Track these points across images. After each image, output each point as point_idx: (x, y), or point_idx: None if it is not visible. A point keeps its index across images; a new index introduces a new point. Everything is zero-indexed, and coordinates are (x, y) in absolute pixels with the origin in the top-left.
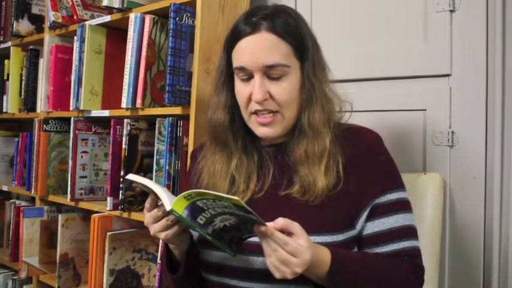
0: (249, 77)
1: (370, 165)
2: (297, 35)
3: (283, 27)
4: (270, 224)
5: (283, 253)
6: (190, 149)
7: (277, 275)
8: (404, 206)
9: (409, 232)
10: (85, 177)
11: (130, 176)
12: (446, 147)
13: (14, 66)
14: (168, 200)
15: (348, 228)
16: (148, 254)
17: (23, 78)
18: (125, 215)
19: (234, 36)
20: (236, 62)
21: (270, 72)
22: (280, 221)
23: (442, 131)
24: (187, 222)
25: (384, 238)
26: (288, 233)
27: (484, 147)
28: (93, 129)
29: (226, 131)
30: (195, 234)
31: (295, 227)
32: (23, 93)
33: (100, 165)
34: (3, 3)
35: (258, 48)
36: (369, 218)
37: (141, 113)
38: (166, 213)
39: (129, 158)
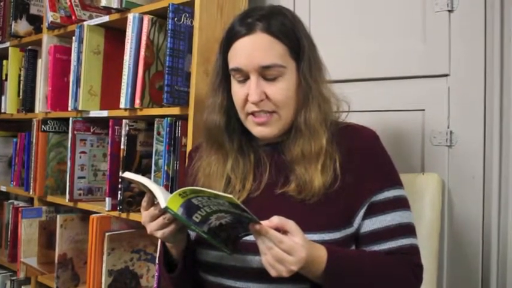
0: (245, 78)
1: (367, 163)
2: (292, 35)
3: (279, 27)
4: (265, 223)
5: (278, 251)
6: (189, 149)
7: (272, 273)
8: (402, 204)
9: (407, 230)
10: (83, 177)
11: (127, 174)
12: (445, 147)
13: (12, 66)
14: (163, 198)
15: (345, 226)
16: (147, 255)
17: (21, 78)
18: (124, 215)
19: (230, 38)
20: (232, 63)
21: (266, 73)
22: (275, 219)
23: (440, 131)
24: (183, 220)
25: (382, 236)
26: (284, 231)
27: (483, 147)
28: (91, 130)
29: (221, 133)
30: (192, 234)
31: (290, 225)
32: (21, 94)
33: (98, 166)
34: (2, 4)
35: (254, 49)
36: (366, 215)
37: (139, 113)
38: (163, 212)
39: (127, 159)
